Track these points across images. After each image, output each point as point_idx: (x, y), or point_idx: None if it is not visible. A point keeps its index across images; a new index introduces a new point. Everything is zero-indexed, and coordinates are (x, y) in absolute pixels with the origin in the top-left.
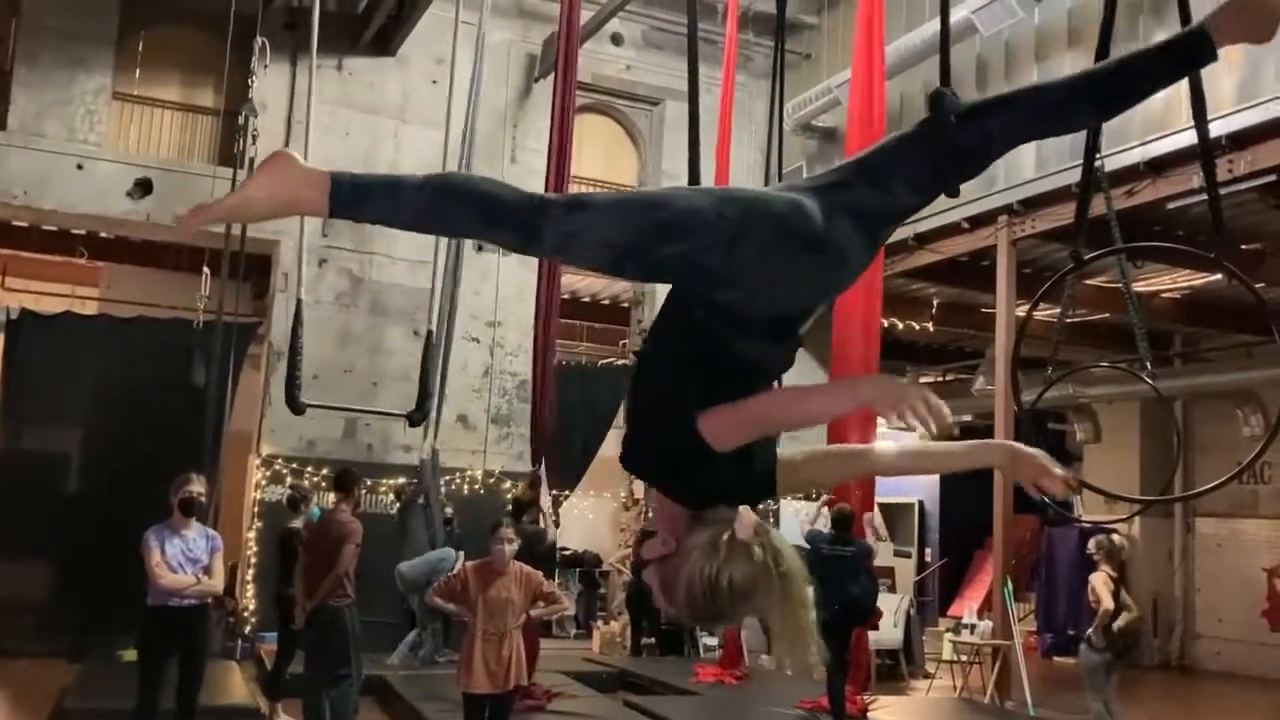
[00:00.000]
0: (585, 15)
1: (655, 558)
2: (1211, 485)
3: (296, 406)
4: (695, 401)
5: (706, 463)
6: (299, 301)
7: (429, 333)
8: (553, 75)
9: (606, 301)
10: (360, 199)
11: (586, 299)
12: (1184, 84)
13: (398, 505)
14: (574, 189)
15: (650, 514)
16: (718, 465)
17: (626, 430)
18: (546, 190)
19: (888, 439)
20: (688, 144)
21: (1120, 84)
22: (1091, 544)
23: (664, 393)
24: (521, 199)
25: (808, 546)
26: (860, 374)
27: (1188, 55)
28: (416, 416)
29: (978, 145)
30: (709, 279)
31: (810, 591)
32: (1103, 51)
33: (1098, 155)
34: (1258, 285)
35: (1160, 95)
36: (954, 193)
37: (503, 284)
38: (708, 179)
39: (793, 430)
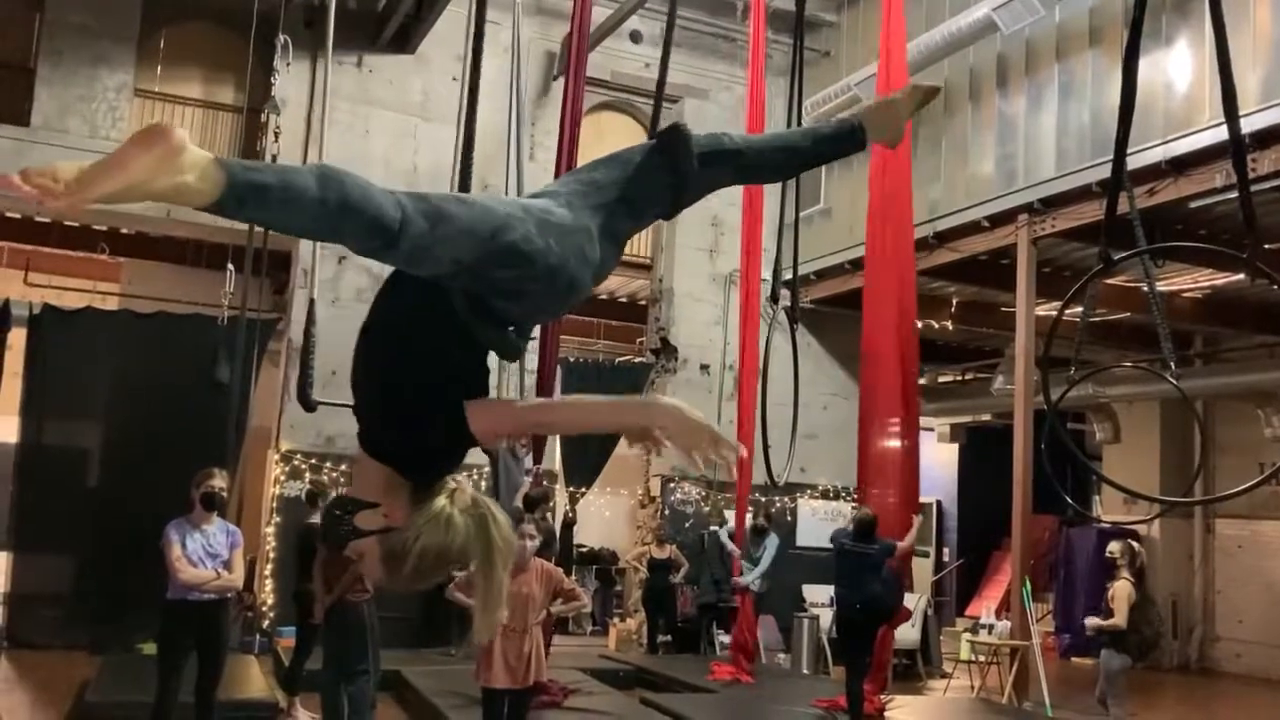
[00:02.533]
0: (604, 13)
1: (379, 529)
2: (1239, 489)
3: (309, 405)
4: (458, 394)
5: (448, 445)
6: (312, 301)
7: None
8: (564, 74)
9: (624, 299)
10: (254, 201)
11: (603, 296)
12: (1209, 81)
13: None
14: None
15: (359, 485)
16: (450, 444)
17: (363, 411)
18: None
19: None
20: (461, 152)
21: (807, 157)
22: (1116, 548)
23: (419, 382)
24: (393, 211)
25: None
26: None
27: (850, 143)
28: None
29: (702, 188)
30: (515, 297)
31: (512, 557)
32: (1132, 53)
33: (1125, 155)
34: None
35: (1182, 93)
36: (669, 218)
37: None
38: None
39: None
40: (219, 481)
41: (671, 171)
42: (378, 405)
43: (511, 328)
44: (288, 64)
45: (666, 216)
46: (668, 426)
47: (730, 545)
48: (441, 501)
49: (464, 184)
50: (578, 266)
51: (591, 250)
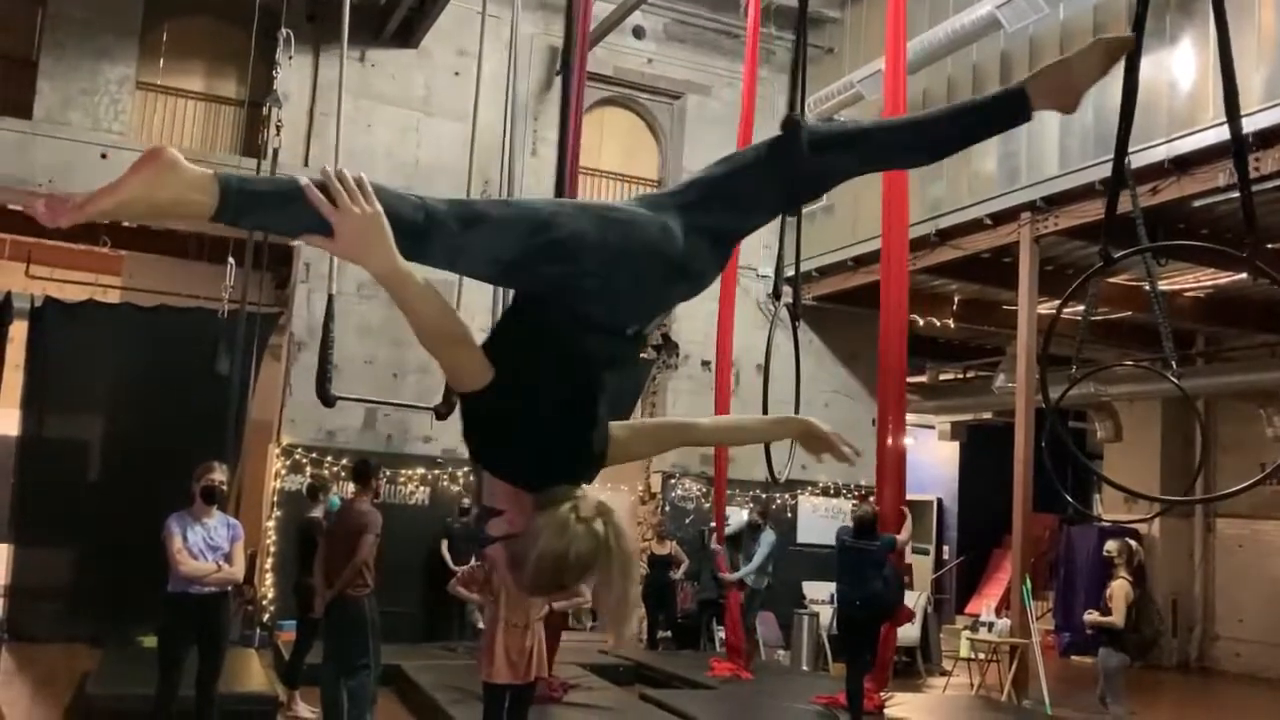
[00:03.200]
0: (607, 8)
1: (503, 535)
2: (1238, 488)
3: (327, 400)
4: (581, 411)
5: (530, 445)
6: (330, 296)
7: None
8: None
9: None
10: (249, 208)
11: None
12: (1213, 80)
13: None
14: (591, 181)
15: (489, 493)
16: (545, 448)
17: (473, 430)
18: (557, 184)
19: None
20: (557, 158)
21: (951, 134)
22: (1114, 547)
23: (536, 400)
24: (414, 213)
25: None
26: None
27: (1009, 113)
28: (443, 410)
29: (823, 176)
30: (581, 296)
31: (637, 568)
32: (1135, 52)
33: (1125, 153)
34: None
35: (1186, 91)
36: (793, 213)
37: None
38: None
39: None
40: (219, 475)
41: (782, 163)
42: (486, 426)
43: (627, 333)
44: (290, 57)
45: (787, 211)
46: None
47: (713, 545)
48: (563, 509)
49: (559, 187)
50: (647, 261)
51: (669, 244)
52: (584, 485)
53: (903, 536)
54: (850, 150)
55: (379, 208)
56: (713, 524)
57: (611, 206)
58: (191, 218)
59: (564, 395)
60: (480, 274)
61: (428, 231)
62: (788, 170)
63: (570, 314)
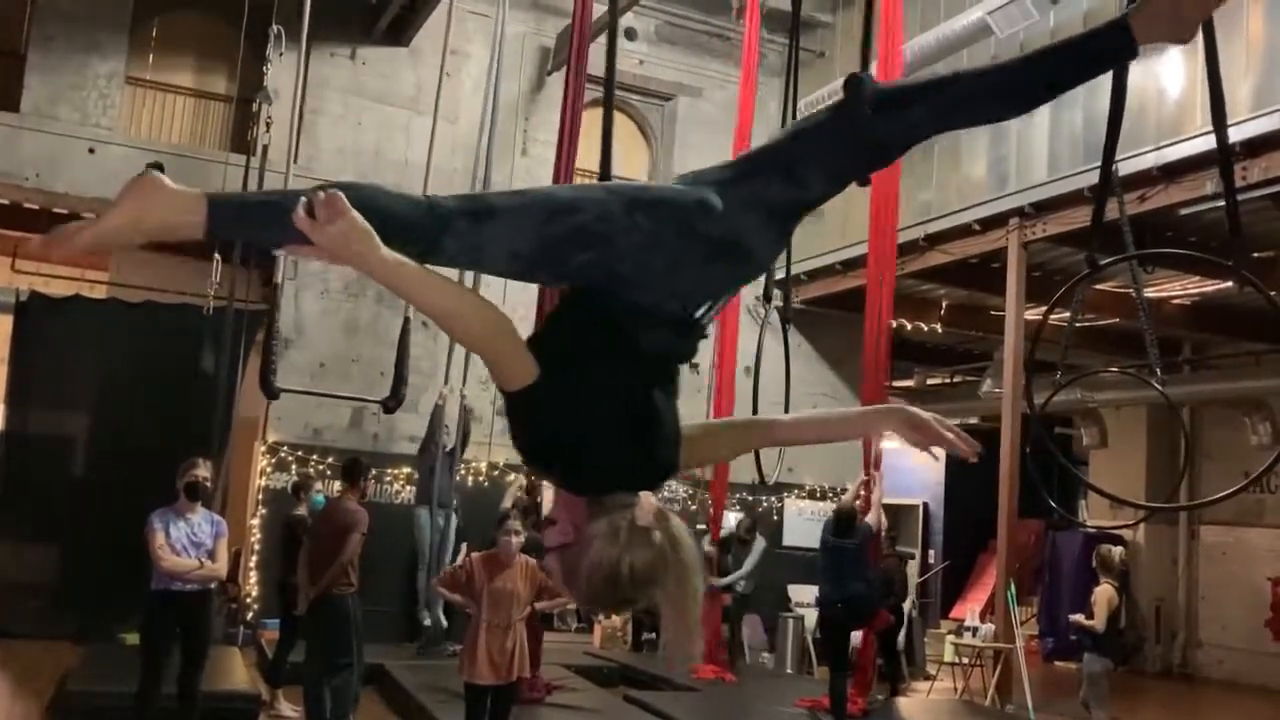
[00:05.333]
0: (599, 9)
1: (556, 546)
2: (1221, 495)
3: (271, 392)
4: (639, 410)
5: (583, 447)
6: (277, 285)
7: (405, 320)
8: (564, 68)
9: None
10: (242, 222)
11: None
12: (1202, 88)
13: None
14: (579, 182)
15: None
16: (600, 450)
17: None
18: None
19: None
20: (601, 139)
21: (1039, 80)
22: (1100, 553)
23: (591, 400)
24: (420, 212)
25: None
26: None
27: (1110, 51)
28: (390, 403)
29: (896, 135)
30: (618, 283)
31: (701, 582)
32: None
33: (1113, 160)
34: (1271, 294)
35: (1174, 99)
36: (864, 182)
37: None
38: None
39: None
40: (203, 471)
41: (845, 125)
42: (532, 426)
43: (678, 323)
44: (280, 54)
45: (859, 179)
46: (900, 426)
47: (706, 547)
48: (612, 518)
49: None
50: (681, 241)
51: (704, 220)
52: (645, 492)
53: (871, 517)
54: (921, 105)
55: (351, 216)
56: (700, 525)
57: (643, 186)
58: (183, 239)
59: (615, 391)
60: (505, 271)
61: (439, 231)
62: (852, 133)
63: (613, 303)
